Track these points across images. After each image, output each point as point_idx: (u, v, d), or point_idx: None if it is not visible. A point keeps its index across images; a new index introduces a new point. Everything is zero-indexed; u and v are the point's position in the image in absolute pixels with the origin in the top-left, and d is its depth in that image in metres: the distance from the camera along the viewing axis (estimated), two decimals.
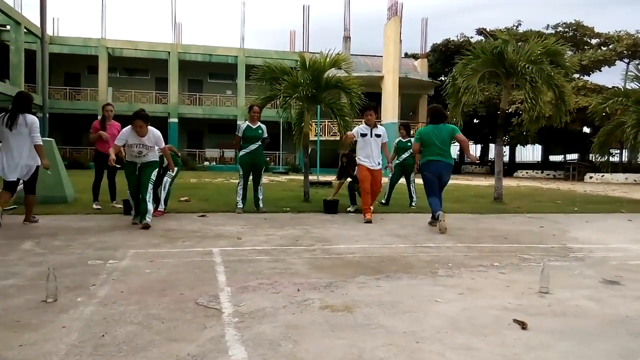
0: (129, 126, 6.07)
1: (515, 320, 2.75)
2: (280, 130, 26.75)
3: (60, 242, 5.01)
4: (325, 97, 9.81)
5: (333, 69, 9.72)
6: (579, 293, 3.43)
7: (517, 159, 41.95)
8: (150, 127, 6.11)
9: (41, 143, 6.14)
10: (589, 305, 3.16)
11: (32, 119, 6.10)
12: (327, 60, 9.45)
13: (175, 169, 7.64)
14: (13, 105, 6.09)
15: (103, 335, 2.45)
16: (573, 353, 2.34)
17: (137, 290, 3.29)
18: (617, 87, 15.58)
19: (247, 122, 8.13)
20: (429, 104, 35.57)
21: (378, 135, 7.38)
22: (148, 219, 6.03)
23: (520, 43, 10.97)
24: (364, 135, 7.32)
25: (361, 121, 7.77)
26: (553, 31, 33.65)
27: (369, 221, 6.96)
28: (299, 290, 3.36)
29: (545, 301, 3.22)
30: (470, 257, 4.71)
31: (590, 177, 25.93)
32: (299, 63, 9.75)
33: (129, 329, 2.55)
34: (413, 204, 9.14)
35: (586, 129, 31.83)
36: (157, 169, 6.43)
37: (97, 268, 3.84)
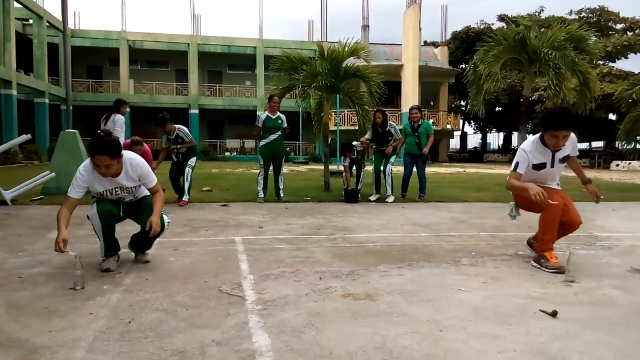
0: (87, 162, 3.45)
1: (542, 310, 2.71)
2: (300, 120, 26.77)
3: (85, 231, 5.09)
4: (344, 86, 9.75)
5: (352, 58, 9.66)
6: (606, 282, 3.37)
7: None
8: (128, 157, 3.53)
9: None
10: (617, 294, 3.10)
11: (117, 117, 7.71)
12: (346, 49, 9.39)
13: (194, 158, 7.68)
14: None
15: (129, 322, 2.49)
16: (601, 342, 2.30)
17: (162, 277, 3.34)
18: None
19: (266, 113, 8.14)
20: (450, 92, 35.25)
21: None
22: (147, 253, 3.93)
23: (542, 29, 10.75)
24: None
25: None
26: (576, 17, 32.79)
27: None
28: (320, 278, 3.36)
29: (571, 290, 3.17)
30: (493, 245, 4.66)
31: (617, 165, 25.38)
32: (317, 53, 9.69)
33: (154, 316, 2.59)
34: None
35: (612, 116, 31.11)
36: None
37: (122, 257, 3.90)
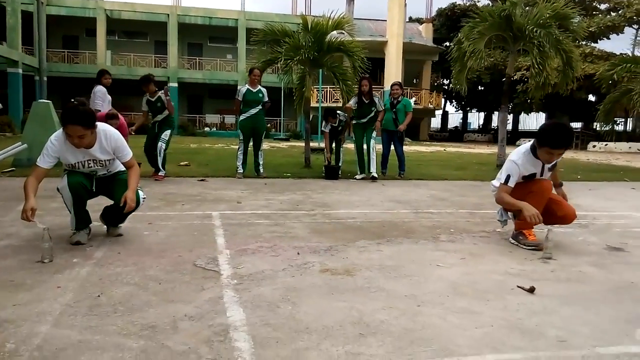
0: (59, 132, 3.32)
1: (520, 287, 2.70)
2: (282, 96, 26.45)
3: (57, 204, 4.93)
4: (327, 60, 9.60)
5: (335, 32, 9.48)
6: (582, 259, 3.38)
7: (521, 127, 41.57)
8: (102, 128, 3.38)
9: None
10: (593, 271, 3.11)
11: (98, 88, 7.57)
12: (330, 22, 9.22)
13: (168, 131, 7.43)
14: None
15: (99, 296, 2.41)
16: (578, 318, 2.30)
17: (135, 252, 3.25)
18: (625, 54, 15.28)
19: (247, 86, 7.96)
20: (434, 70, 35.14)
21: None
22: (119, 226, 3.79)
23: (528, 8, 10.66)
24: None
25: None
26: None
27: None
28: (298, 253, 3.31)
29: (548, 267, 3.18)
30: (472, 223, 4.66)
31: (594, 146, 25.78)
32: (301, 25, 9.49)
33: (125, 290, 2.50)
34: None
35: (591, 97, 31.48)
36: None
37: (94, 230, 3.79)
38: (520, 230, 3.75)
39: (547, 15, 9.55)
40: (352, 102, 8.03)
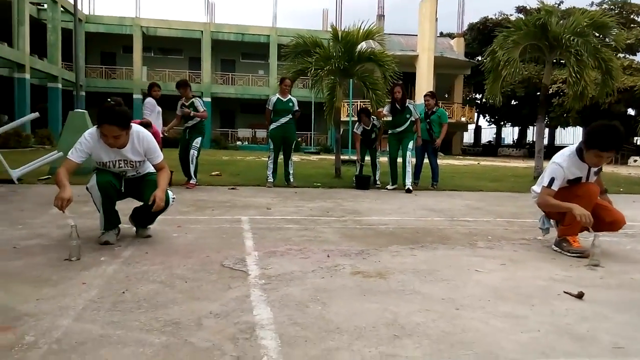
0: (94, 130, 3.32)
1: (567, 292, 2.51)
2: (312, 111, 26.54)
3: (90, 208, 4.95)
4: (357, 70, 9.53)
5: (364, 43, 9.41)
6: (633, 267, 3.15)
7: (557, 142, 40.50)
8: (136, 130, 3.38)
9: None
10: None
11: (147, 100, 7.45)
12: (360, 32, 9.15)
13: (199, 138, 7.44)
14: None
15: (123, 292, 2.34)
16: (633, 325, 2.10)
17: (162, 252, 3.19)
18: None
19: (277, 95, 7.94)
20: (466, 84, 34.75)
21: None
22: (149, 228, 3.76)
23: (561, 21, 10.38)
24: None
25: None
26: (598, 9, 32.08)
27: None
28: (328, 256, 3.19)
29: (596, 274, 2.96)
30: (510, 231, 4.45)
31: (635, 161, 24.83)
32: (331, 35, 9.46)
33: (150, 287, 2.43)
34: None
35: (631, 111, 30.43)
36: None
37: (123, 231, 3.76)
38: (564, 237, 3.54)
39: (585, 23, 9.26)
40: (385, 110, 7.80)
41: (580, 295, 2.44)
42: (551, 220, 3.78)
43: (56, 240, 3.45)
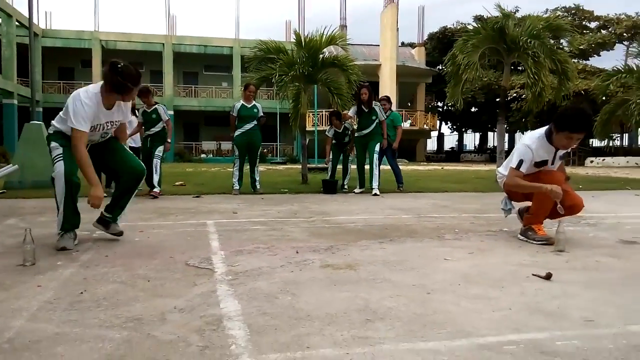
0: (91, 93, 3.19)
1: (535, 275, 2.52)
2: (278, 121, 26.48)
3: (46, 218, 4.76)
4: (322, 76, 9.54)
5: (327, 51, 9.46)
6: (597, 251, 3.21)
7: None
8: None
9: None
10: (610, 260, 2.94)
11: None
12: (324, 38, 9.18)
13: (162, 147, 7.28)
14: None
15: (81, 293, 2.22)
16: (601, 300, 2.12)
17: (124, 254, 3.06)
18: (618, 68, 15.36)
19: (242, 102, 7.85)
20: (427, 92, 35.39)
21: None
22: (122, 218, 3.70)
23: (520, 25, 10.69)
24: None
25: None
26: (552, 15, 33.28)
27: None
28: (297, 252, 3.13)
29: (562, 258, 3.00)
30: (476, 224, 4.49)
31: (591, 161, 25.72)
32: (294, 41, 9.47)
33: (110, 287, 2.32)
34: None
35: None
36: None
37: (81, 238, 3.60)
38: (529, 226, 3.58)
39: (541, 26, 9.57)
40: (351, 112, 7.76)
41: (548, 277, 2.45)
42: (513, 203, 3.83)
43: (9, 247, 3.27)
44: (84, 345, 1.62)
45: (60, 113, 3.31)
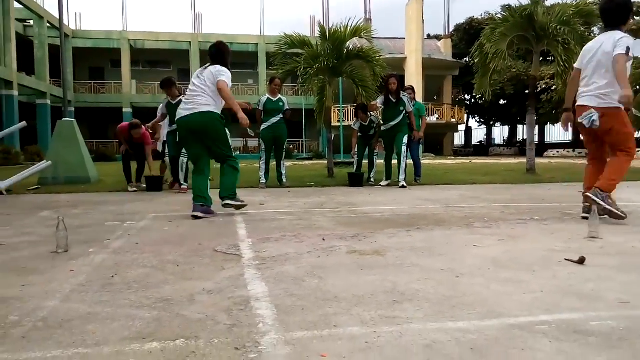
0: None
1: (568, 259, 2.46)
2: (303, 117, 26.53)
3: (79, 211, 4.89)
4: (347, 68, 9.49)
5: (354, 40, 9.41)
6: (632, 237, 3.11)
7: (547, 139, 40.67)
8: None
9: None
10: None
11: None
12: (348, 29, 9.12)
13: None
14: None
15: (112, 277, 2.26)
16: (638, 283, 2.05)
17: (154, 242, 3.11)
18: None
19: (267, 95, 7.88)
20: (454, 85, 34.91)
21: None
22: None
23: (549, 14, 10.40)
24: None
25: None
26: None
27: None
28: (324, 239, 3.12)
29: (596, 244, 2.92)
30: (507, 213, 4.40)
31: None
32: (319, 34, 9.44)
33: (140, 271, 2.36)
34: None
35: None
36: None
37: (113, 227, 3.68)
38: (609, 194, 3.72)
39: (571, 12, 9.30)
40: (378, 101, 7.64)
41: (581, 261, 2.39)
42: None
43: (44, 237, 3.36)
44: (115, 324, 1.65)
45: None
